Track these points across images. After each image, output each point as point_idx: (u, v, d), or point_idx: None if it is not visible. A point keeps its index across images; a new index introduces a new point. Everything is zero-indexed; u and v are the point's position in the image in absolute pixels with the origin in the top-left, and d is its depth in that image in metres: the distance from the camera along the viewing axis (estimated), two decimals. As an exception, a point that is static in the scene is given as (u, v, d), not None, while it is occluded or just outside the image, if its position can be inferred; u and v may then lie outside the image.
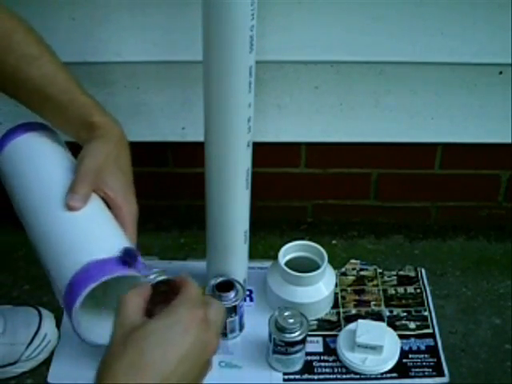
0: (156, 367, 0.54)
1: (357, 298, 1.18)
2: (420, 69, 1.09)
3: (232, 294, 1.05)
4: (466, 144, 1.20)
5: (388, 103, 1.14)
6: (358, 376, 1.07)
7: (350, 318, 1.13)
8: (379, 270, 1.23)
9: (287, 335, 1.01)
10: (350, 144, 1.20)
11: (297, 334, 1.01)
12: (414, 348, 1.10)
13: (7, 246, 1.24)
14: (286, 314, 1.02)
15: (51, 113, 0.77)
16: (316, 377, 1.07)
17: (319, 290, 1.12)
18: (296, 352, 1.03)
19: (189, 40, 0.99)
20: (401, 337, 1.10)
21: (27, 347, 1.05)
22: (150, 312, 0.59)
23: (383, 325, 1.09)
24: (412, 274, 1.23)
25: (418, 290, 1.20)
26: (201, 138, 0.96)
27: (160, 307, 0.59)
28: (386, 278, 1.22)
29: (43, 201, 0.71)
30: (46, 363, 1.07)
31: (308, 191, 1.31)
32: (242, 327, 1.11)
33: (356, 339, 1.05)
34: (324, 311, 1.15)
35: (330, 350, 1.10)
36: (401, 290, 1.20)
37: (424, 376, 1.07)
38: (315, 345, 1.11)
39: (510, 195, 1.30)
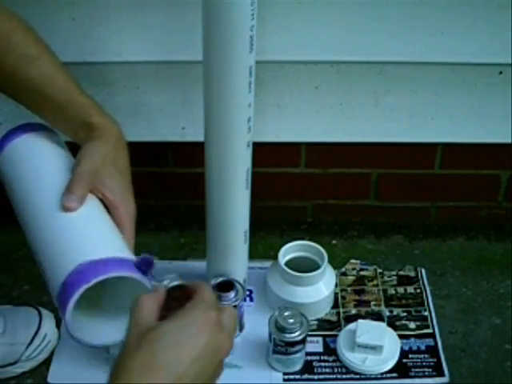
0: (169, 368, 0.55)
1: (357, 297, 1.18)
2: (420, 69, 1.09)
3: (232, 294, 1.05)
4: (465, 144, 1.20)
5: (388, 103, 1.14)
6: (357, 376, 1.07)
7: (350, 318, 1.13)
8: (379, 270, 1.23)
9: (287, 335, 1.01)
10: (350, 144, 1.20)
11: (297, 333, 1.01)
12: (414, 348, 1.10)
13: (7, 246, 1.24)
14: (286, 314, 1.02)
15: (50, 113, 0.78)
16: (316, 377, 1.07)
17: (319, 290, 1.12)
18: (296, 352, 1.03)
19: (189, 40, 0.99)
20: (401, 337, 1.10)
21: (27, 347, 1.05)
22: (164, 317, 0.59)
23: (383, 325, 1.09)
24: (412, 273, 1.23)
25: (418, 290, 1.20)
26: (201, 138, 0.96)
27: (173, 313, 0.59)
28: (385, 278, 1.22)
29: (41, 201, 0.71)
30: (46, 363, 1.07)
31: (308, 191, 1.31)
32: (241, 327, 1.11)
33: (356, 339, 1.05)
34: (324, 311, 1.15)
35: (329, 349, 1.10)
36: (401, 289, 1.20)
37: (424, 376, 1.07)
38: (315, 345, 1.11)
39: (510, 195, 1.30)
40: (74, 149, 0.77)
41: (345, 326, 1.12)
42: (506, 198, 1.31)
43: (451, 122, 1.16)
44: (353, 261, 1.25)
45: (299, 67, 1.09)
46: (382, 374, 1.07)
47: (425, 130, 1.17)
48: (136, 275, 0.65)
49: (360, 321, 1.08)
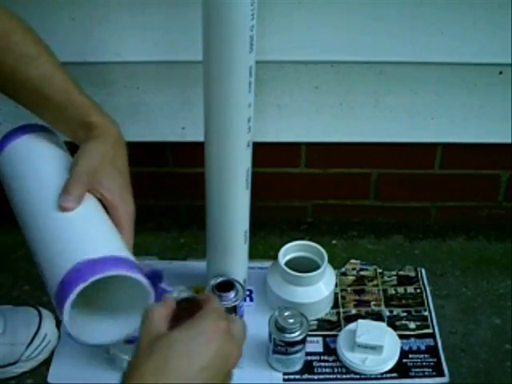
0: (180, 374, 0.56)
1: (357, 297, 1.18)
2: (420, 69, 1.09)
3: (232, 294, 1.05)
4: (465, 144, 1.20)
5: (388, 103, 1.14)
6: (357, 376, 1.07)
7: (350, 318, 1.13)
8: (379, 270, 1.23)
9: (287, 335, 1.01)
10: (350, 144, 1.20)
11: (297, 333, 1.01)
12: (414, 348, 1.10)
13: (7, 246, 1.24)
14: (286, 314, 1.02)
15: (49, 113, 0.78)
16: (316, 377, 1.07)
17: (319, 290, 1.12)
18: (296, 352, 1.03)
19: (189, 40, 0.99)
20: (401, 337, 1.10)
21: (27, 347, 1.05)
22: (173, 328, 0.60)
23: (383, 325, 1.09)
24: (412, 273, 1.23)
25: (418, 290, 1.20)
26: (201, 138, 0.96)
27: (182, 323, 0.61)
28: (386, 278, 1.22)
29: (39, 202, 0.71)
30: (46, 363, 1.07)
31: (308, 191, 1.31)
32: (241, 327, 1.11)
33: (356, 339, 1.05)
34: (324, 311, 1.15)
35: (329, 349, 1.10)
36: (401, 289, 1.20)
37: (424, 376, 1.07)
38: (315, 345, 1.11)
39: (510, 195, 1.30)
40: (73, 149, 0.77)
41: (345, 325, 1.12)
42: (506, 198, 1.31)
43: (451, 122, 1.16)
44: (353, 261, 1.25)
45: (299, 67, 1.09)
46: (381, 373, 1.07)
47: (425, 130, 1.17)
48: (133, 274, 0.65)
49: (360, 321, 1.08)
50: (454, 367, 1.08)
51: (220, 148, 0.94)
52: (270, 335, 1.03)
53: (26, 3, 0.93)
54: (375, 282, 1.21)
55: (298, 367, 1.07)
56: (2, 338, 1.05)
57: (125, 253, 0.68)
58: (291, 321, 1.01)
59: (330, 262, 1.13)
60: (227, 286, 1.06)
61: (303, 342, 1.03)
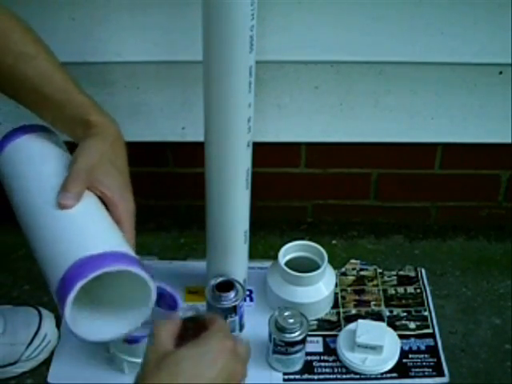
0: None
1: (357, 297, 1.18)
2: (420, 69, 1.09)
3: (232, 294, 1.05)
4: (465, 144, 1.20)
5: (388, 103, 1.14)
6: (357, 376, 1.07)
7: (350, 318, 1.13)
8: (379, 270, 1.23)
9: (287, 335, 1.01)
10: (350, 144, 1.20)
11: (297, 333, 1.01)
12: (414, 348, 1.10)
13: (7, 246, 1.24)
14: (286, 314, 1.02)
15: (49, 112, 0.78)
16: (316, 377, 1.07)
17: (319, 290, 1.12)
18: (296, 352, 1.03)
19: (189, 40, 0.99)
20: (401, 337, 1.10)
21: (27, 347, 1.05)
22: (179, 347, 0.62)
23: (383, 325, 1.09)
24: (412, 273, 1.23)
25: (418, 290, 1.20)
26: (201, 138, 0.96)
27: (187, 342, 0.62)
28: (386, 278, 1.22)
29: (39, 200, 0.72)
30: (46, 363, 1.07)
31: (308, 191, 1.31)
32: (242, 327, 1.11)
33: (356, 339, 1.05)
34: (324, 311, 1.15)
35: (330, 349, 1.10)
36: (401, 289, 1.20)
37: (424, 376, 1.07)
38: (315, 345, 1.11)
39: (510, 195, 1.30)
40: (73, 149, 0.77)
41: (345, 325, 1.12)
42: (506, 198, 1.31)
43: (451, 122, 1.16)
44: (353, 261, 1.25)
45: (299, 67, 1.09)
46: (382, 373, 1.07)
47: (425, 130, 1.17)
48: (134, 269, 0.65)
49: (360, 321, 1.08)
50: (454, 367, 1.08)
51: (220, 148, 0.94)
52: (269, 335, 1.03)
53: (26, 3, 0.93)
54: (375, 282, 1.21)
55: (297, 367, 1.07)
56: (2, 337, 1.05)
57: (125, 248, 0.68)
58: (291, 321, 1.01)
59: (330, 262, 1.13)
60: (227, 285, 1.06)
61: (303, 341, 1.03)
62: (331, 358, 1.09)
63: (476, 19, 1.03)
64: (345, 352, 1.07)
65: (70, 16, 1.02)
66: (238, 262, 1.11)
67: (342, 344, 1.08)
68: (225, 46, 0.83)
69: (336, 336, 1.10)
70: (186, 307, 0.68)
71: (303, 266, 1.12)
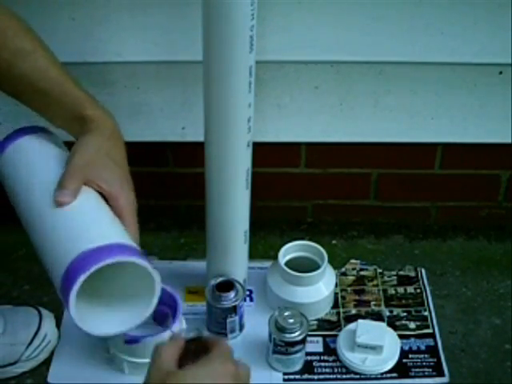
0: None
1: (357, 297, 1.18)
2: (420, 69, 1.09)
3: (232, 294, 1.05)
4: (466, 144, 1.20)
5: (388, 103, 1.14)
6: (357, 376, 1.07)
7: (350, 318, 1.13)
8: (379, 270, 1.23)
9: (287, 335, 1.01)
10: (350, 144, 1.20)
11: (297, 333, 1.01)
12: (414, 348, 1.10)
13: (7, 246, 1.24)
14: (286, 314, 1.02)
15: (45, 107, 0.78)
16: (316, 377, 1.07)
17: (319, 290, 1.12)
18: (296, 352, 1.03)
19: (189, 40, 0.99)
20: (401, 337, 1.10)
21: (27, 347, 1.05)
22: (182, 367, 0.63)
23: (383, 325, 1.09)
24: (412, 274, 1.23)
25: (418, 290, 1.20)
26: (201, 138, 0.96)
27: (190, 363, 0.63)
28: (386, 278, 1.22)
29: (38, 199, 0.72)
30: (46, 363, 1.07)
31: (308, 191, 1.31)
32: (241, 327, 1.11)
33: (356, 339, 1.05)
34: (324, 311, 1.15)
35: (329, 349, 1.10)
36: (401, 289, 1.20)
37: (424, 376, 1.07)
38: (315, 345, 1.11)
39: (510, 195, 1.30)
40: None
41: (345, 325, 1.12)
42: (506, 198, 1.31)
43: (451, 122, 1.16)
44: (353, 261, 1.25)
45: (299, 67, 1.09)
46: (382, 374, 1.07)
47: (425, 130, 1.17)
48: (137, 259, 0.65)
49: (360, 321, 1.08)
50: (454, 367, 1.08)
51: (220, 148, 0.94)
52: (269, 335, 1.03)
53: (26, 3, 0.93)
54: (375, 282, 1.21)
55: (297, 367, 1.07)
56: (2, 337, 1.05)
57: (126, 240, 0.68)
58: (291, 321, 1.01)
59: (330, 262, 1.13)
60: (227, 285, 1.06)
61: (303, 341, 1.03)
62: (331, 358, 1.09)
63: (476, 19, 1.03)
64: (345, 352, 1.07)
65: (70, 16, 1.02)
66: (238, 262, 1.11)
67: (342, 344, 1.08)
68: (225, 46, 0.83)
69: (336, 336, 1.10)
70: (189, 328, 0.69)
71: (303, 265, 1.12)
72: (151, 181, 1.27)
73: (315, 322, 1.13)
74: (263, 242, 1.28)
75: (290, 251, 1.14)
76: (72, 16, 1.02)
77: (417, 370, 1.08)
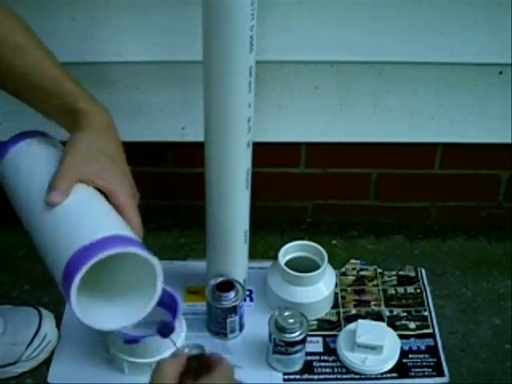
0: None
1: (357, 297, 1.18)
2: (420, 69, 1.09)
3: (232, 294, 1.05)
4: (466, 144, 1.20)
5: (388, 103, 1.14)
6: (357, 376, 1.07)
7: (350, 318, 1.13)
8: (379, 270, 1.23)
9: (287, 335, 1.01)
10: (350, 144, 1.20)
11: (297, 333, 1.01)
12: (414, 348, 1.10)
13: (7, 246, 1.24)
14: (286, 314, 1.02)
15: (37, 101, 0.78)
16: (316, 377, 1.07)
17: (319, 290, 1.12)
18: (296, 352, 1.03)
19: (189, 40, 0.99)
20: (401, 337, 1.10)
21: (27, 347, 1.05)
22: None
23: (383, 325, 1.09)
24: (412, 273, 1.23)
25: (418, 290, 1.20)
26: (201, 138, 0.96)
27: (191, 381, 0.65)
28: (386, 278, 1.22)
29: (38, 200, 0.73)
30: (46, 363, 1.07)
31: (308, 191, 1.31)
32: (241, 327, 1.11)
33: (356, 339, 1.05)
34: (324, 311, 1.15)
35: (329, 349, 1.10)
36: (401, 289, 1.20)
37: (424, 376, 1.07)
38: (315, 345, 1.11)
39: (510, 195, 1.30)
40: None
41: (345, 325, 1.12)
42: (506, 198, 1.31)
43: (451, 122, 1.16)
44: (353, 261, 1.25)
45: (299, 67, 1.09)
46: (382, 374, 1.07)
47: (425, 130, 1.17)
48: (139, 250, 0.65)
49: (360, 321, 1.08)
50: (454, 367, 1.08)
51: (220, 148, 0.94)
52: (270, 335, 1.03)
53: (27, 3, 0.93)
54: (375, 282, 1.21)
55: (298, 367, 1.07)
56: (2, 337, 1.05)
57: (126, 232, 0.68)
58: (291, 321, 1.01)
59: (330, 262, 1.13)
60: (227, 285, 1.06)
61: (303, 341, 1.03)
62: (331, 358, 1.09)
63: (476, 19, 1.03)
64: (345, 352, 1.07)
65: (70, 16, 1.02)
66: (237, 262, 1.11)
67: (342, 344, 1.08)
68: (225, 46, 0.83)
69: (336, 336, 1.10)
70: (192, 345, 0.69)
71: (303, 265, 1.12)
72: (151, 181, 1.27)
73: (315, 322, 1.13)
74: (263, 242, 1.28)
75: (290, 251, 1.14)
76: (72, 16, 1.02)
77: (417, 369, 1.08)
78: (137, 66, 1.09)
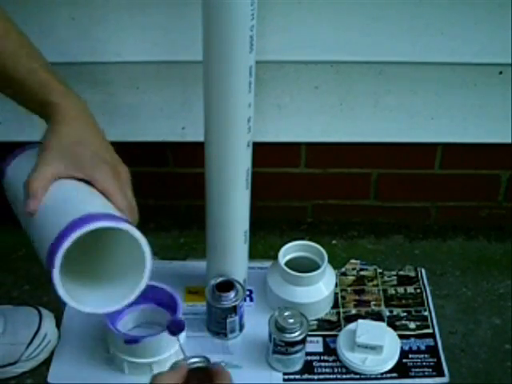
0: None
1: (357, 297, 1.18)
2: (420, 69, 1.09)
3: (232, 294, 1.05)
4: (465, 144, 1.20)
5: (388, 103, 1.14)
6: (357, 376, 1.07)
7: (350, 318, 1.13)
8: (379, 270, 1.23)
9: (287, 335, 1.01)
10: (350, 144, 1.20)
11: (297, 333, 1.01)
12: (414, 348, 1.10)
13: (7, 246, 1.24)
14: (286, 314, 1.02)
15: (11, 91, 0.77)
16: (316, 377, 1.07)
17: (319, 289, 1.12)
18: (296, 352, 1.03)
19: (189, 40, 1.00)
20: (401, 337, 1.10)
21: (27, 347, 1.05)
22: None
23: (383, 325, 1.09)
24: (412, 273, 1.23)
25: (418, 290, 1.20)
26: (201, 138, 0.96)
27: None
28: (386, 278, 1.22)
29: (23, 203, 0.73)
30: (46, 363, 1.07)
31: (308, 191, 1.31)
32: (241, 327, 1.11)
33: (356, 339, 1.05)
34: (324, 311, 1.15)
35: (330, 349, 1.10)
36: (401, 290, 1.20)
37: (424, 376, 1.07)
38: (315, 345, 1.11)
39: (510, 195, 1.30)
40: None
41: (345, 325, 1.12)
42: (506, 198, 1.31)
43: (451, 122, 1.16)
44: (353, 261, 1.25)
45: (299, 67, 1.09)
46: (382, 374, 1.07)
47: (425, 130, 1.17)
48: (125, 226, 0.65)
49: (360, 321, 1.08)
50: (454, 367, 1.08)
51: (220, 148, 0.94)
52: (270, 335, 1.03)
53: (26, 3, 0.93)
54: (375, 282, 1.21)
55: (298, 367, 1.07)
56: (2, 337, 1.05)
57: (112, 211, 0.69)
58: (291, 321, 1.01)
59: (330, 261, 1.13)
60: (227, 285, 1.06)
61: (303, 341, 1.03)
62: (331, 358, 1.09)
63: (476, 19, 1.03)
64: (345, 352, 1.07)
65: (69, 16, 1.02)
66: (237, 262, 1.11)
67: (342, 344, 1.08)
68: (225, 46, 0.83)
69: (336, 336, 1.10)
70: (193, 357, 0.70)
71: (303, 265, 1.12)
72: (151, 181, 1.27)
73: (315, 322, 1.13)
74: (263, 242, 1.28)
75: (289, 251, 1.14)
76: (71, 16, 1.02)
77: (417, 369, 1.08)
78: (136, 66, 1.09)
